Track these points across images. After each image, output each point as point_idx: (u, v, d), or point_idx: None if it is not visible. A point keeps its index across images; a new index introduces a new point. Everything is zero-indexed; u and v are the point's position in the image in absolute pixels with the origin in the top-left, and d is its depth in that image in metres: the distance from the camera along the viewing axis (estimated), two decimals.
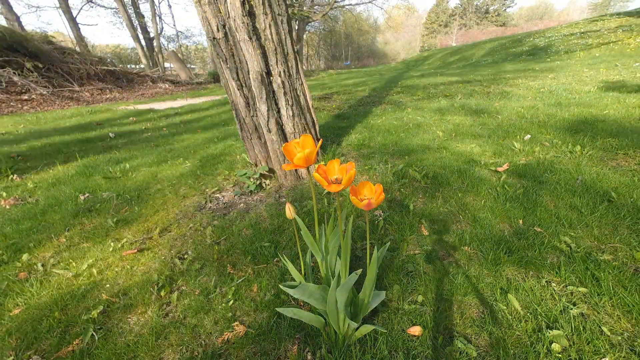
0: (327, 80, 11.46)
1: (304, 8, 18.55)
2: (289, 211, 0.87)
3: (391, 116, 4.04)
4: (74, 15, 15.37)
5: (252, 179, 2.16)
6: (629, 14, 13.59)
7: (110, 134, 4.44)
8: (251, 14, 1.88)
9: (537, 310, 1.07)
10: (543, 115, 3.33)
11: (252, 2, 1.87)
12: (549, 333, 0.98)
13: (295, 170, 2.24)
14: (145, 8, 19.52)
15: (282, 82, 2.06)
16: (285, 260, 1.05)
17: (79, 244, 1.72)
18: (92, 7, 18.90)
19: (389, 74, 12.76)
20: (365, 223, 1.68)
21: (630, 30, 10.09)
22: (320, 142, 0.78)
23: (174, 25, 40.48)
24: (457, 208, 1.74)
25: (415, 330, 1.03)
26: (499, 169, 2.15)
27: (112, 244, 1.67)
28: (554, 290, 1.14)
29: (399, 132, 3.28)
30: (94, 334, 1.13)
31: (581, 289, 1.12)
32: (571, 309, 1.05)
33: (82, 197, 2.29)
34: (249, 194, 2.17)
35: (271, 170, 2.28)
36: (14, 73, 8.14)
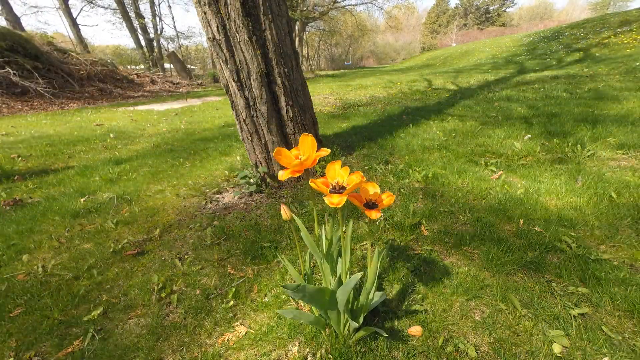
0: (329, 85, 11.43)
1: (304, 8, 18.54)
2: (285, 213, 0.87)
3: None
4: (74, 16, 15.38)
5: (252, 180, 2.16)
6: None
7: (111, 135, 4.44)
8: (251, 15, 1.88)
9: (537, 310, 1.07)
10: None
11: (252, 3, 1.87)
12: (550, 333, 0.97)
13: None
14: (145, 8, 19.51)
15: (282, 83, 2.06)
16: (285, 261, 1.05)
17: (79, 245, 1.72)
18: (92, 7, 18.86)
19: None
20: (365, 223, 1.68)
21: None
22: (321, 150, 0.72)
23: (174, 25, 40.55)
24: (458, 208, 1.74)
25: (416, 330, 1.02)
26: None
27: (112, 245, 1.67)
28: (555, 290, 1.14)
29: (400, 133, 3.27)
30: (95, 335, 1.13)
31: (582, 289, 1.12)
32: (572, 308, 1.05)
33: (82, 198, 2.29)
34: (249, 194, 2.17)
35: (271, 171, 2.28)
36: (14, 74, 8.14)
